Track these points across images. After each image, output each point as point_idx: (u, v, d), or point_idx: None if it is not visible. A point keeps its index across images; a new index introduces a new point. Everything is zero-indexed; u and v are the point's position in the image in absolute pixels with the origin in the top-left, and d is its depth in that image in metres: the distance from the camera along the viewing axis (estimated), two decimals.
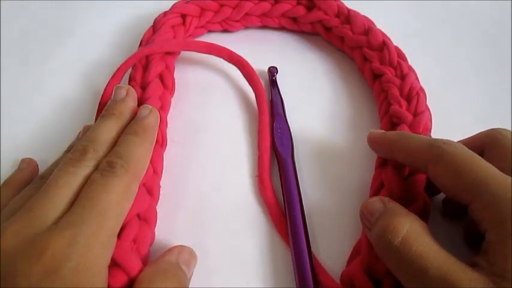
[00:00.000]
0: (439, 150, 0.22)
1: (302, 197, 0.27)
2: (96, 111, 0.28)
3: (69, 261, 0.19)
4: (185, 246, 0.24)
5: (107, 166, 0.23)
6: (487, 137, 0.24)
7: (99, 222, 0.21)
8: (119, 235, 0.22)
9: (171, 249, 0.24)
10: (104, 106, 0.28)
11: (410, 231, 0.20)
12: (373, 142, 0.27)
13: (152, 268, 0.22)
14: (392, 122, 0.29)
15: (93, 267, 0.20)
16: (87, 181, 0.22)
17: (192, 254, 0.24)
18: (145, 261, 0.23)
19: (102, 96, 0.29)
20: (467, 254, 0.20)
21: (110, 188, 0.22)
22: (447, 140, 0.23)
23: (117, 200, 0.22)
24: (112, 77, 0.30)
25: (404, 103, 0.29)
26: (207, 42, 0.33)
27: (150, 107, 0.27)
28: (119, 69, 0.30)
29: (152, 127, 0.26)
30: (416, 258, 0.19)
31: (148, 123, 0.26)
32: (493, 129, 0.24)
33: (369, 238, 0.23)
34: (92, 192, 0.22)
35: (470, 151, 0.22)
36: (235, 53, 0.32)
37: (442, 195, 0.27)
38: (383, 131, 0.27)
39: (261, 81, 0.33)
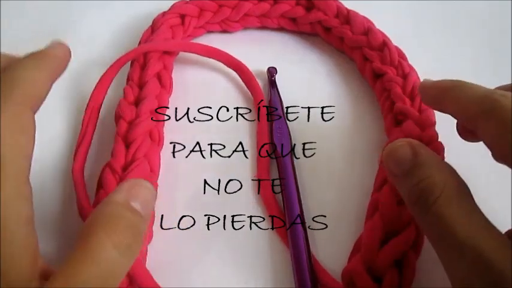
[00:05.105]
0: (492, 104, 0.18)
1: (301, 197, 0.27)
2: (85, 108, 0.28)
3: None
4: (138, 179, 0.19)
5: None
6: None
7: None
8: None
9: (118, 186, 0.18)
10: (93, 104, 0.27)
11: (449, 189, 0.18)
12: (424, 90, 0.24)
13: (93, 216, 0.17)
14: (397, 119, 0.29)
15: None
16: None
17: (147, 188, 0.19)
18: (143, 259, 0.23)
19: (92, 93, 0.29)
20: None
21: None
22: (506, 92, 0.19)
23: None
24: (104, 73, 0.30)
25: (408, 101, 0.29)
26: (207, 46, 0.33)
27: (62, 42, 0.22)
28: (111, 66, 0.30)
29: (56, 57, 0.21)
30: (449, 221, 0.17)
31: (51, 52, 0.21)
32: None
33: (396, 186, 0.21)
34: None
35: None
36: (234, 58, 0.33)
37: None
38: (435, 80, 0.24)
39: (260, 81, 0.33)
